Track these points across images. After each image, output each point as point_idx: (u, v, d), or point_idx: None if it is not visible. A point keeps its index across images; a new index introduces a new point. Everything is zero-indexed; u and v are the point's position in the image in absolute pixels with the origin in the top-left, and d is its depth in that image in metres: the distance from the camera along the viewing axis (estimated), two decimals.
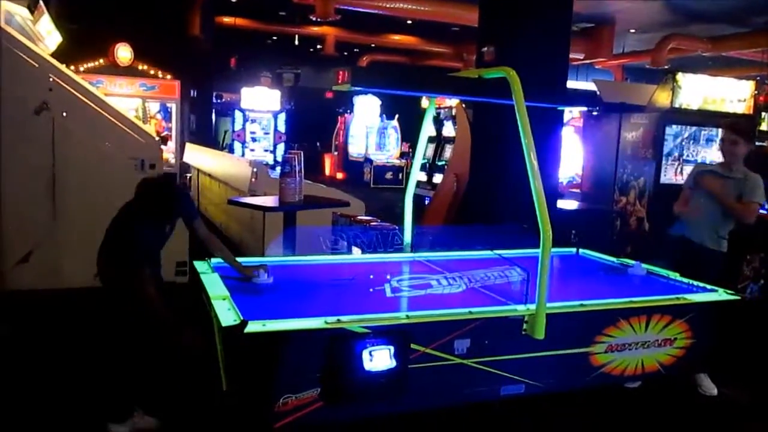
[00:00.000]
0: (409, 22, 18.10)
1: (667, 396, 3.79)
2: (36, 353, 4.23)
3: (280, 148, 16.54)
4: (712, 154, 6.97)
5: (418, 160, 4.09)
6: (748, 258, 6.00)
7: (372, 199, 11.72)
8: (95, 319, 4.78)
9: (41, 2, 6.66)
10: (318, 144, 19.80)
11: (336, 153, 18.31)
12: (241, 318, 2.55)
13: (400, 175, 16.89)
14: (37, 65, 5.51)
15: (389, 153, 17.60)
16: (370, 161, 16.98)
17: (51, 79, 5.57)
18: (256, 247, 6.65)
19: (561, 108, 4.64)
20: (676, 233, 4.32)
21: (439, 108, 14.08)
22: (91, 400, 3.47)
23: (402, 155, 17.67)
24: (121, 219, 3.34)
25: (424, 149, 3.98)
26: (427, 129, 3.94)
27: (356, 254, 4.18)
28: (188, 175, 12.35)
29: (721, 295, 3.49)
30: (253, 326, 2.49)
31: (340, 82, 3.02)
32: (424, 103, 15.34)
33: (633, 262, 4.08)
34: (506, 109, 3.38)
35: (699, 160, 6.55)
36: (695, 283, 3.68)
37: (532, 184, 2.91)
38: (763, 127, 7.20)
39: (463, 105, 6.60)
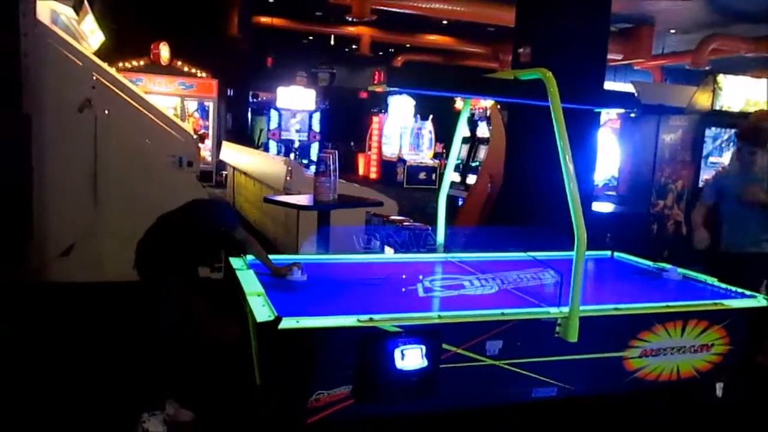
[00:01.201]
0: (445, 22, 18.06)
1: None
2: (74, 345, 4.35)
3: (315, 147, 16.66)
4: None
5: (452, 161, 4.10)
6: None
7: (405, 199, 11.76)
8: (134, 312, 4.93)
9: (86, 2, 6.84)
10: (352, 144, 19.88)
11: (370, 153, 18.37)
12: (276, 314, 2.59)
13: (434, 175, 16.88)
14: (81, 64, 5.65)
15: (423, 153, 17.60)
16: (404, 161, 16.99)
17: (94, 78, 5.71)
18: (291, 244, 6.73)
19: (598, 110, 4.59)
20: (701, 246, 4.27)
21: (474, 109, 14.04)
22: (125, 392, 3.55)
23: (435, 156, 17.65)
24: (167, 230, 3.42)
25: (458, 150, 3.99)
26: (462, 130, 3.94)
27: (389, 254, 4.20)
28: (224, 172, 12.53)
29: (760, 301, 3.42)
30: (287, 323, 2.53)
31: (375, 82, 3.06)
32: (459, 104, 15.30)
33: (669, 266, 4.02)
34: (542, 110, 3.36)
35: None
36: (733, 288, 3.61)
37: (567, 187, 2.90)
38: None
39: (498, 106, 6.57)
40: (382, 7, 14.28)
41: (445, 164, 14.21)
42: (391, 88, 2.96)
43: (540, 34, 4.94)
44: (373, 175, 18.01)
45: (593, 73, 4.83)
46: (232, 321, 3.30)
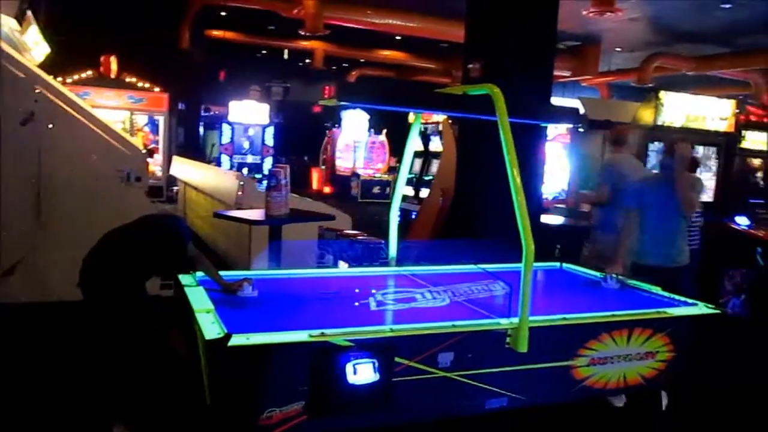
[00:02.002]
0: (398, 37, 18.22)
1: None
2: (19, 366, 4.19)
3: (268, 161, 16.55)
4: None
5: (403, 174, 4.12)
6: (730, 273, 6.07)
7: (359, 213, 11.73)
8: (80, 332, 4.79)
9: (29, 13, 6.68)
10: (306, 158, 19.82)
11: (324, 167, 18.34)
12: (225, 331, 2.56)
13: (388, 189, 16.93)
14: (23, 76, 5.50)
15: (377, 167, 17.66)
16: (358, 175, 17.02)
17: (37, 90, 5.56)
18: (243, 260, 6.64)
19: (544, 124, 4.70)
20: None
21: (426, 123, 14.19)
22: (70, 414, 3.45)
23: (390, 170, 17.73)
24: (116, 246, 3.32)
25: (410, 164, 4.02)
26: (413, 143, 3.98)
27: (342, 268, 4.20)
28: (175, 188, 12.32)
29: (701, 309, 3.53)
30: (237, 339, 2.50)
31: (326, 96, 3.10)
32: (411, 117, 15.44)
33: (604, 274, 4.11)
34: (491, 125, 3.43)
35: None
36: (675, 297, 3.73)
37: (514, 199, 2.95)
38: (744, 144, 7.30)
39: (450, 121, 6.65)
40: (335, 22, 14.33)
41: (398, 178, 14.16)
42: (342, 103, 2.98)
43: (489, 51, 5.03)
44: (326, 190, 17.97)
45: (541, 89, 4.94)
46: (181, 339, 3.24)
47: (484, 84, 3.10)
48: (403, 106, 3.28)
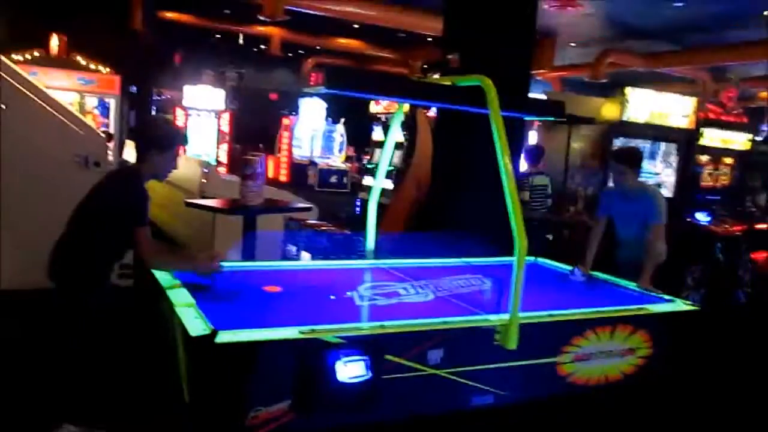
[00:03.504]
0: (356, 26, 18.05)
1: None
2: None
3: (224, 148, 16.18)
4: (655, 167, 7.23)
5: (383, 166, 4.02)
6: (691, 268, 6.21)
7: (317, 203, 11.57)
8: (33, 322, 4.55)
9: None
10: (261, 146, 19.47)
11: (280, 155, 18.06)
12: (212, 327, 2.44)
13: (345, 178, 16.80)
14: None
15: (334, 156, 17.50)
16: (315, 164, 16.83)
17: None
18: (205, 248, 6.45)
19: (529, 118, 4.69)
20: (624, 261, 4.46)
21: (387, 113, 14.11)
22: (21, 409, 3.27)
23: (347, 159, 17.59)
24: (84, 221, 3.09)
25: (390, 155, 3.91)
26: (395, 134, 3.89)
27: (321, 261, 4.09)
28: None
29: (679, 305, 3.58)
30: (224, 336, 2.39)
31: (312, 83, 2.95)
32: (373, 107, 15.34)
33: (573, 268, 4.19)
34: (472, 116, 3.38)
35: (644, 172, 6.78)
36: (652, 292, 3.77)
37: (506, 189, 2.89)
38: (702, 141, 7.48)
39: (426, 112, 6.60)
40: (294, 8, 14.07)
41: (359, 167, 14.09)
42: (331, 91, 2.87)
43: (468, 42, 4.98)
44: (283, 178, 17.69)
45: (519, 82, 4.94)
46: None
47: (475, 75, 3.04)
48: (392, 95, 3.20)
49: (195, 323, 2.53)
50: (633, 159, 4.43)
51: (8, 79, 5.34)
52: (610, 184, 6.11)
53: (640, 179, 4.62)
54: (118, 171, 3.26)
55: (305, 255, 5.56)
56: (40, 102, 5.55)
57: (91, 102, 13.20)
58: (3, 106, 5.32)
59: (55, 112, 5.63)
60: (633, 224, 4.40)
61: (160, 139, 3.11)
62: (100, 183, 3.16)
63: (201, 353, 2.45)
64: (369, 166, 12.67)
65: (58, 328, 3.10)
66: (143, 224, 3.00)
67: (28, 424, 3.20)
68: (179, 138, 3.22)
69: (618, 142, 6.78)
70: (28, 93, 5.48)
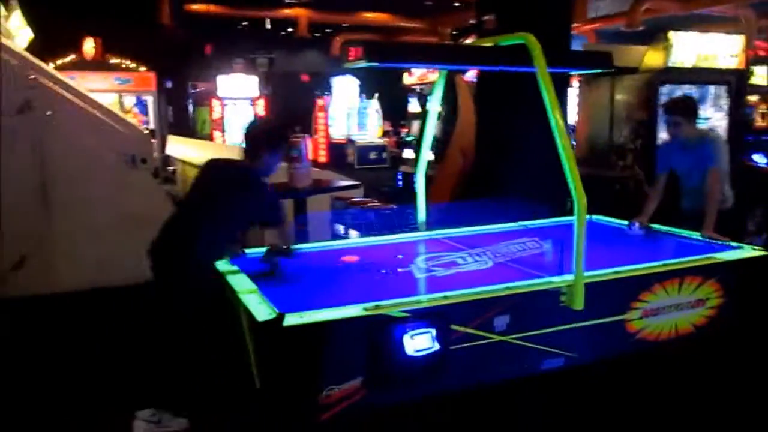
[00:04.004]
0: None
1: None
2: (39, 359, 4.09)
3: None
4: (706, 112, 6.96)
5: (428, 138, 3.96)
6: (752, 213, 6.00)
7: (359, 180, 11.58)
8: (98, 321, 4.69)
9: None
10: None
11: (317, 136, 18.09)
12: (277, 311, 2.45)
13: (384, 154, 16.73)
14: (17, 62, 5.28)
15: (371, 132, 17.43)
16: (353, 142, 16.80)
17: (32, 77, 5.35)
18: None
19: (576, 72, 4.55)
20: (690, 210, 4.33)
21: (421, 84, 13.95)
22: (103, 403, 3.36)
23: (384, 134, 17.51)
24: (204, 214, 3.08)
25: (433, 126, 3.84)
26: (436, 104, 3.81)
27: (374, 237, 4.06)
28: (172, 168, 12.10)
29: (747, 251, 3.45)
30: (291, 319, 2.40)
31: (352, 58, 2.90)
32: (406, 79, 15.18)
33: (629, 222, 4.10)
34: (515, 77, 3.29)
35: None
36: (715, 240, 3.65)
37: (561, 148, 2.82)
38: (754, 80, 7.17)
39: (466, 78, 6.48)
40: None
41: (396, 141, 13.95)
42: (372, 64, 2.82)
43: (503, 2, 4.85)
44: (322, 159, 17.74)
45: (560, 38, 4.79)
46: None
47: (518, 33, 2.95)
48: (433, 62, 3.12)
49: (260, 308, 2.54)
50: (688, 109, 4.25)
51: (51, 85, 5.44)
52: (663, 135, 5.93)
53: (697, 127, 4.43)
54: (234, 166, 3.24)
55: (353, 233, 5.56)
56: (84, 105, 5.64)
57: (130, 101, 13.44)
58: (49, 113, 5.42)
59: (98, 114, 5.72)
60: (696, 174, 4.24)
61: (275, 140, 3.22)
62: (210, 176, 3.21)
63: (269, 338, 2.47)
64: (407, 138, 12.59)
65: (157, 318, 3.14)
66: (280, 222, 3.19)
67: (113, 408, 3.29)
68: (286, 137, 3.29)
69: (664, 90, 6.55)
70: (71, 97, 5.58)
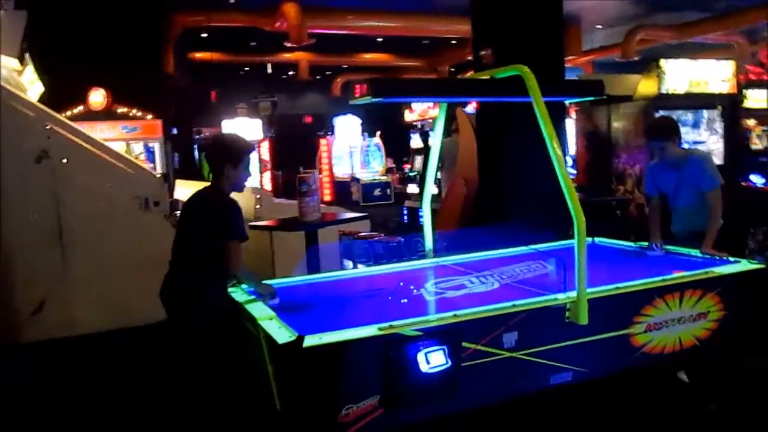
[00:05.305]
0: (380, 39, 18.30)
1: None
2: (61, 403, 4.19)
3: (267, 176, 16.54)
4: (701, 136, 7.15)
5: (431, 171, 4.10)
6: (751, 231, 6.12)
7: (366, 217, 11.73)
8: (118, 362, 4.79)
9: (27, 53, 6.68)
10: (301, 168, 19.76)
11: (321, 175, 18.33)
12: (297, 334, 2.57)
13: (388, 190, 16.93)
14: (33, 114, 5.51)
15: (375, 170, 17.67)
16: (357, 180, 17.02)
17: (48, 127, 5.57)
18: (266, 271, 6.64)
19: (568, 101, 4.73)
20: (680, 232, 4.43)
21: (424, 120, 14.23)
22: None
23: (387, 170, 17.74)
24: (185, 246, 3.27)
25: (437, 159, 3.99)
26: (439, 135, 3.97)
27: (384, 266, 4.20)
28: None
29: (745, 265, 3.57)
30: (310, 340, 2.52)
31: (357, 95, 3.08)
32: (407, 116, 15.47)
33: (648, 243, 4.18)
34: (511, 107, 3.47)
35: (687, 141, 6.74)
36: (717, 257, 3.77)
37: (558, 173, 2.97)
38: (746, 104, 7.37)
39: (465, 110, 6.69)
40: (318, 30, 14.38)
41: (400, 178, 14.11)
42: (377, 100, 3.00)
43: (499, 36, 5.08)
44: (327, 197, 17.92)
45: (553, 68, 5.00)
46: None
47: (513, 65, 3.13)
48: (434, 96, 3.31)
49: (280, 332, 2.67)
50: (671, 131, 4.33)
51: (65, 133, 5.66)
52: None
53: (682, 146, 4.55)
54: (200, 192, 3.36)
55: (362, 266, 5.70)
56: (97, 151, 5.85)
57: (137, 148, 13.70)
58: (64, 160, 5.63)
59: (111, 159, 5.92)
60: (684, 193, 4.34)
61: (232, 153, 3.28)
62: (189, 210, 3.35)
63: (290, 359, 2.59)
64: (411, 174, 12.82)
65: (178, 352, 3.26)
66: (235, 237, 3.16)
67: None
68: (248, 148, 3.40)
69: (658, 116, 6.74)
70: (84, 144, 5.78)
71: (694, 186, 4.27)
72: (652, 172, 4.60)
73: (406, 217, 11.69)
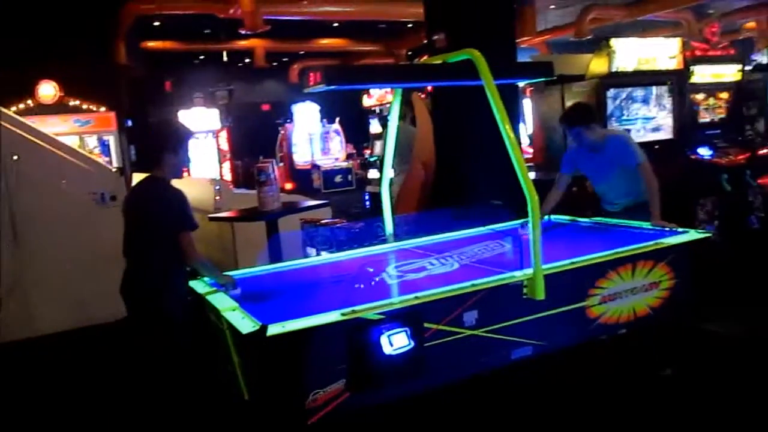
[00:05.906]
0: (336, 24, 18.19)
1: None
2: (29, 406, 4.15)
3: (226, 166, 16.37)
4: (651, 112, 7.32)
5: (389, 154, 4.14)
6: (700, 202, 6.33)
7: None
8: (82, 361, 4.75)
9: None
10: (261, 157, 19.61)
11: (281, 164, 18.22)
12: (260, 323, 2.60)
13: (349, 176, 16.95)
14: None
15: (335, 156, 17.63)
16: (318, 167, 16.98)
17: None
18: (229, 261, 6.62)
19: (520, 82, 4.81)
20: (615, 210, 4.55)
21: (382, 105, 14.24)
22: None
23: (348, 156, 17.73)
24: (136, 239, 3.24)
25: (394, 142, 4.03)
26: (395, 120, 4.02)
27: (345, 252, 4.23)
28: None
29: (693, 235, 3.71)
30: (274, 329, 2.55)
31: (312, 83, 3.09)
32: (366, 101, 15.44)
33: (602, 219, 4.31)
34: (465, 90, 3.52)
35: (637, 117, 6.93)
36: (667, 228, 3.90)
37: (511, 154, 3.04)
38: (693, 79, 7.56)
39: (420, 95, 6.73)
40: (273, 17, 14.21)
41: (360, 163, 14.10)
42: (331, 87, 3.02)
43: (452, 20, 5.12)
44: (288, 186, 17.84)
45: (506, 51, 5.06)
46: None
47: (464, 50, 3.18)
48: (388, 82, 3.34)
49: (244, 322, 2.69)
50: (584, 117, 4.38)
51: (15, 129, 5.53)
52: None
53: (601, 129, 4.57)
54: (141, 184, 3.31)
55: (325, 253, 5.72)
56: (50, 147, 5.74)
57: (91, 142, 13.38)
58: (15, 157, 5.51)
59: (64, 155, 5.82)
60: (610, 173, 4.40)
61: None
62: (134, 205, 3.30)
63: (254, 348, 2.62)
64: (371, 159, 12.82)
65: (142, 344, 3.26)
66: (185, 228, 3.14)
67: None
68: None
69: (610, 94, 6.88)
70: (36, 140, 5.67)
71: (619, 165, 4.32)
72: (571, 156, 4.63)
73: (368, 203, 11.72)
